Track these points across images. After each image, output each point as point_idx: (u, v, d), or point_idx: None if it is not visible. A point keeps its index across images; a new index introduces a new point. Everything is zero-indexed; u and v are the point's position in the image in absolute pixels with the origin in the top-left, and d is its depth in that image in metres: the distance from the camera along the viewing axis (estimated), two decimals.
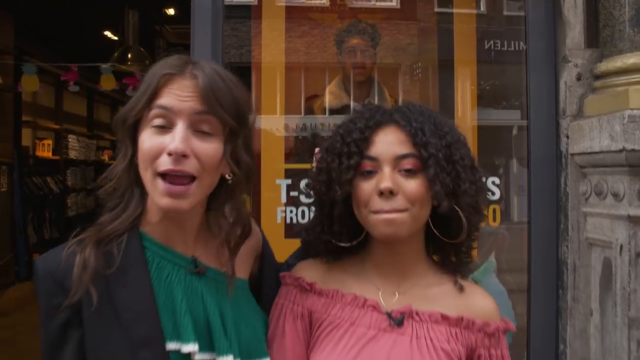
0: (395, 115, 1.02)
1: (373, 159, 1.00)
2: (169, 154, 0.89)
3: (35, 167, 7.62)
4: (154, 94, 0.91)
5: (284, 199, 1.91)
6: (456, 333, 1.01)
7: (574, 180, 1.82)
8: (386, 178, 0.97)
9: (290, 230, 1.98)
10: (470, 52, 2.29)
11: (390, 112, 1.04)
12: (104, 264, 0.92)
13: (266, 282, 1.13)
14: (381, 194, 0.97)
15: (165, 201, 0.91)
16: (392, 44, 2.49)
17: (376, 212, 0.98)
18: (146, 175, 0.92)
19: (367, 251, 1.09)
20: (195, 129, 0.92)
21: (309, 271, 1.10)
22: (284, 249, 2.03)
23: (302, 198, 1.90)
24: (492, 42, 2.38)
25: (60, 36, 6.80)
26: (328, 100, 2.26)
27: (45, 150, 7.83)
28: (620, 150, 1.54)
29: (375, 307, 1.03)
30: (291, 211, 1.89)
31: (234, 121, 0.94)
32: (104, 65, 5.08)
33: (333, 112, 2.24)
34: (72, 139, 8.48)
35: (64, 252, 0.94)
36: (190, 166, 0.90)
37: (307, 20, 2.32)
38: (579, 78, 1.82)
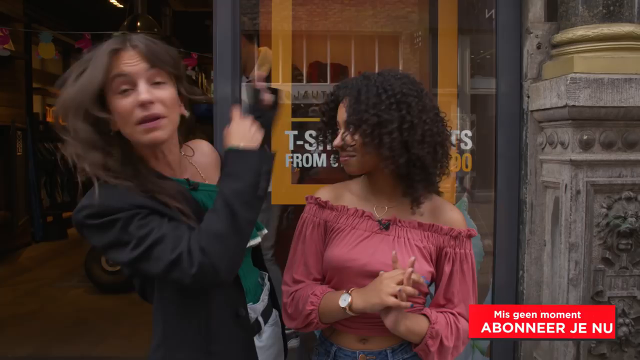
0: (345, 93, 1.36)
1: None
2: (141, 105, 1.15)
3: (46, 133, 7.70)
4: (109, 68, 1.14)
5: (291, 147, 2.25)
6: (428, 235, 1.36)
7: (532, 133, 2.12)
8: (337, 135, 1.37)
9: (295, 177, 2.34)
10: (467, 21, 2.46)
11: (344, 91, 1.38)
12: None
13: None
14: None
15: (148, 137, 1.17)
16: (393, 12, 2.62)
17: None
18: (127, 129, 1.17)
19: (366, 180, 1.44)
20: (152, 82, 1.17)
21: (325, 194, 1.46)
22: (291, 193, 2.39)
23: (307, 146, 2.24)
24: (492, 11, 2.45)
25: (68, 4, 6.91)
26: None
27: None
28: (564, 106, 1.86)
29: (370, 217, 1.38)
30: (297, 157, 2.24)
31: (173, 69, 1.23)
32: (115, 33, 5.24)
33: None
34: None
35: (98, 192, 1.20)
36: (157, 109, 1.16)
37: None
38: (538, 47, 2.11)
